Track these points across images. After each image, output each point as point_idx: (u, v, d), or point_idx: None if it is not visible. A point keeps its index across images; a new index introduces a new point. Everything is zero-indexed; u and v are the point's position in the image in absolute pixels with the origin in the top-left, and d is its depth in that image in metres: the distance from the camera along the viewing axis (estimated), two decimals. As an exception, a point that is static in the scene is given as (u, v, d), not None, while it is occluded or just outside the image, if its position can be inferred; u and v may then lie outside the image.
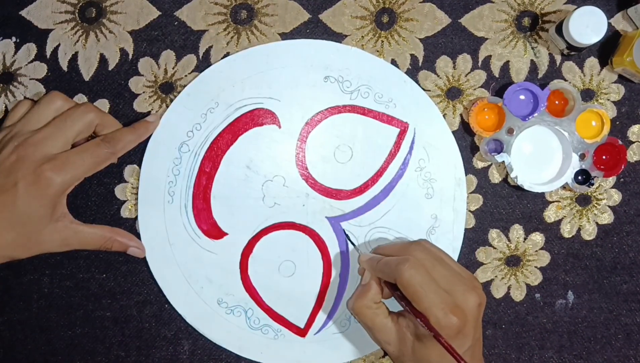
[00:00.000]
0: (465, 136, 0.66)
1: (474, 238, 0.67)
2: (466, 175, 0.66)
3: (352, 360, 0.67)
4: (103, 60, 0.66)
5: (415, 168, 0.66)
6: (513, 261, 0.67)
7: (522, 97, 0.65)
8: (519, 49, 0.66)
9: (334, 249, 0.66)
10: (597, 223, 0.67)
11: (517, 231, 0.67)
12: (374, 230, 0.66)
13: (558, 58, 0.66)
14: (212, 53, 0.65)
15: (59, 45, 0.66)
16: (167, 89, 0.66)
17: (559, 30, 0.62)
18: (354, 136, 0.65)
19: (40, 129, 0.60)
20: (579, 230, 0.67)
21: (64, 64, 0.66)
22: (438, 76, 0.66)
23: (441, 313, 0.54)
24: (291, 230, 0.66)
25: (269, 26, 0.65)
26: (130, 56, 0.66)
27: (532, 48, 0.66)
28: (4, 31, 0.65)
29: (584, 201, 0.67)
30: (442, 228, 0.66)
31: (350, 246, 0.66)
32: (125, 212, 0.66)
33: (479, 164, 0.67)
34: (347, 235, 0.65)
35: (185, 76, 0.65)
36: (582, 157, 0.64)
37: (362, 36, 0.66)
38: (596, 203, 0.67)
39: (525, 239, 0.67)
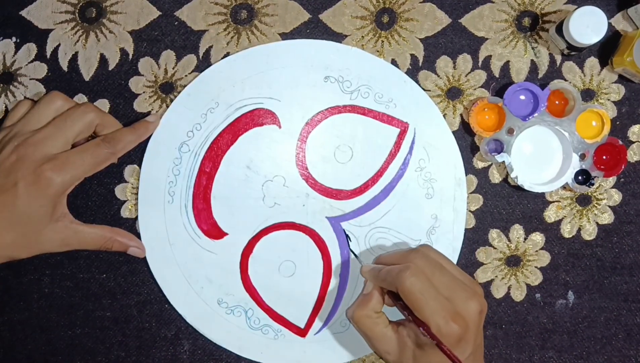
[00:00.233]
0: (466, 136, 0.66)
1: (474, 238, 0.67)
2: (466, 175, 0.66)
3: (352, 360, 0.67)
4: (103, 60, 0.66)
5: (416, 168, 0.66)
6: (513, 261, 0.67)
7: (522, 97, 0.65)
8: (519, 49, 0.66)
9: (334, 249, 0.66)
10: (597, 223, 0.67)
11: (517, 231, 0.67)
12: (374, 230, 0.66)
13: (558, 58, 0.66)
14: (212, 53, 0.65)
15: (59, 45, 0.66)
16: (167, 89, 0.66)
17: (559, 30, 0.62)
18: (354, 136, 0.65)
19: (40, 129, 0.60)
20: (579, 230, 0.67)
21: (64, 64, 0.66)
22: (438, 76, 0.66)
23: (442, 321, 0.54)
24: (291, 230, 0.66)
25: (269, 26, 0.65)
26: (130, 56, 0.66)
27: (533, 48, 0.66)
28: (4, 31, 0.65)
29: (584, 201, 0.67)
30: (442, 228, 0.66)
31: (352, 256, 0.66)
32: (125, 212, 0.66)
33: (479, 165, 0.67)
34: (349, 244, 0.66)
35: (186, 76, 0.65)
36: (582, 157, 0.64)
37: (362, 36, 0.66)
38: (596, 203, 0.67)
39: (525, 239, 0.67)
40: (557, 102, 0.65)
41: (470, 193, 0.67)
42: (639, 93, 0.66)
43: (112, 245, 0.63)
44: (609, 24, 0.65)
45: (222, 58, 0.65)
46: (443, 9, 0.66)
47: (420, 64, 0.66)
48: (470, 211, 0.67)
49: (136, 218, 0.66)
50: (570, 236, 0.67)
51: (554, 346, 0.68)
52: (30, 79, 0.66)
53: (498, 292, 0.67)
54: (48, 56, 0.66)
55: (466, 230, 0.67)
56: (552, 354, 0.68)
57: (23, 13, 0.65)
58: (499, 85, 0.66)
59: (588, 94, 0.66)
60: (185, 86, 0.65)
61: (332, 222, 0.66)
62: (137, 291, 0.67)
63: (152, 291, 0.67)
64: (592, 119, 0.65)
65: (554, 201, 0.67)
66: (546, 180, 0.66)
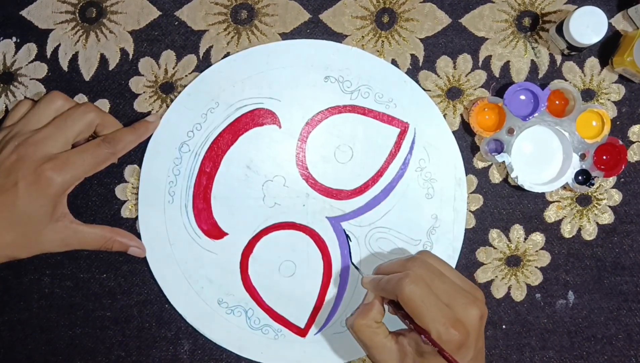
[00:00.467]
0: (466, 136, 0.66)
1: (474, 238, 0.67)
2: (466, 175, 0.66)
3: (352, 360, 0.67)
4: (103, 60, 0.66)
5: (416, 168, 0.66)
6: (513, 262, 0.67)
7: (522, 97, 0.65)
8: (520, 49, 0.66)
9: (334, 249, 0.66)
10: (597, 223, 0.67)
11: (517, 231, 0.67)
12: (374, 230, 0.66)
13: (558, 58, 0.66)
14: (213, 53, 0.66)
15: (59, 45, 0.66)
16: (168, 89, 0.66)
17: (560, 30, 0.62)
18: (354, 136, 0.65)
19: (40, 129, 0.60)
20: (579, 230, 0.67)
21: (64, 64, 0.66)
22: (438, 76, 0.66)
23: (442, 328, 0.54)
24: (291, 230, 0.66)
25: (269, 26, 0.65)
26: (130, 56, 0.66)
27: (533, 48, 0.66)
28: (4, 31, 0.65)
29: (584, 201, 0.67)
30: (442, 228, 0.66)
31: (352, 268, 0.66)
32: (125, 212, 0.66)
33: (480, 164, 0.67)
34: (350, 252, 0.66)
35: (186, 75, 0.65)
36: (582, 157, 0.64)
37: (363, 36, 0.66)
38: (596, 203, 0.67)
39: (525, 239, 0.67)
40: (557, 102, 0.65)
41: (471, 193, 0.67)
42: (639, 93, 0.66)
43: (112, 245, 0.63)
44: (609, 24, 0.65)
45: (222, 58, 0.65)
46: (443, 9, 0.66)
47: (420, 64, 0.66)
48: (470, 211, 0.67)
49: (136, 218, 0.66)
50: (571, 236, 0.67)
51: (554, 346, 0.68)
52: (31, 79, 0.66)
53: (498, 292, 0.67)
54: (48, 56, 0.66)
55: (466, 230, 0.67)
56: (553, 354, 0.68)
57: (23, 13, 0.65)
58: (499, 85, 0.66)
59: (588, 94, 0.66)
60: (185, 86, 0.65)
61: (332, 222, 0.66)
62: (138, 291, 0.67)
63: (152, 291, 0.67)
64: (592, 119, 0.65)
65: (554, 201, 0.67)
66: (546, 180, 0.66)
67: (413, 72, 0.66)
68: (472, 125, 0.64)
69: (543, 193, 0.67)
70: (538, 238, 0.67)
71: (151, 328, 0.67)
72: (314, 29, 0.66)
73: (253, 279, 0.66)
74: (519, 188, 0.66)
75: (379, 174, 0.65)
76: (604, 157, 0.65)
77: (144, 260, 0.66)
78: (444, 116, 0.66)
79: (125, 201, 0.66)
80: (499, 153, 0.64)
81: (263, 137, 0.65)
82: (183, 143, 0.65)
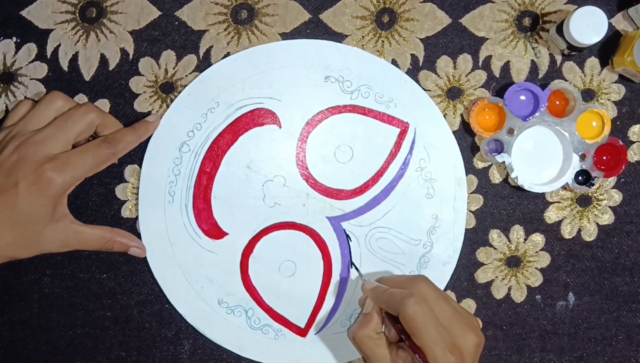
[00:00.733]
0: (466, 136, 0.66)
1: (474, 239, 0.67)
2: (467, 175, 0.66)
3: (352, 360, 0.67)
4: (103, 60, 0.66)
5: (416, 167, 0.66)
6: (513, 262, 0.67)
7: (522, 97, 0.65)
8: (520, 49, 0.66)
9: (334, 249, 0.66)
10: (597, 223, 0.67)
11: (517, 231, 0.67)
12: (374, 230, 0.66)
13: (558, 58, 0.66)
14: (213, 53, 0.66)
15: (59, 45, 0.66)
16: (168, 89, 0.66)
17: (560, 30, 0.62)
18: (354, 136, 0.65)
19: (41, 129, 0.60)
20: (579, 230, 0.67)
21: (64, 64, 0.66)
22: (438, 76, 0.66)
23: (440, 351, 0.54)
24: (291, 230, 0.66)
25: (269, 26, 0.66)
26: (130, 56, 0.66)
27: (533, 48, 0.66)
28: (4, 31, 0.65)
29: (584, 201, 0.67)
30: (442, 228, 0.66)
31: (354, 281, 0.66)
32: (125, 212, 0.66)
33: (480, 165, 0.67)
34: (350, 254, 0.66)
35: (186, 75, 0.66)
36: (582, 157, 0.64)
37: (363, 36, 0.66)
38: (597, 204, 0.67)
39: (525, 240, 0.67)
40: (557, 102, 0.65)
41: (471, 193, 0.67)
42: (639, 93, 0.66)
43: (112, 246, 0.63)
44: (609, 24, 0.65)
45: (222, 58, 0.65)
46: (443, 9, 0.66)
47: (420, 64, 0.66)
48: (470, 211, 0.67)
49: (136, 218, 0.66)
50: (571, 237, 0.67)
51: (555, 348, 0.68)
52: (31, 79, 0.66)
53: (498, 293, 0.67)
54: (48, 56, 0.66)
55: (466, 230, 0.66)
56: (553, 356, 0.68)
57: (23, 13, 0.65)
58: (499, 85, 0.66)
59: (588, 94, 0.66)
60: (185, 85, 0.65)
61: (332, 222, 0.66)
62: (138, 291, 0.67)
63: (152, 291, 0.67)
64: (592, 119, 0.65)
65: (554, 202, 0.67)
66: (546, 180, 0.66)
67: (413, 72, 0.66)
68: (472, 125, 0.64)
69: (543, 194, 0.67)
70: (538, 238, 0.67)
71: (151, 328, 0.67)
72: (314, 29, 0.66)
73: (253, 279, 0.66)
74: (519, 188, 0.66)
75: (379, 174, 0.65)
76: (604, 157, 0.65)
77: (144, 260, 0.66)
78: (444, 116, 0.66)
79: (125, 201, 0.66)
80: (499, 153, 0.64)
81: (263, 137, 0.65)
82: (183, 142, 0.65)
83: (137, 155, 0.65)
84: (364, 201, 0.66)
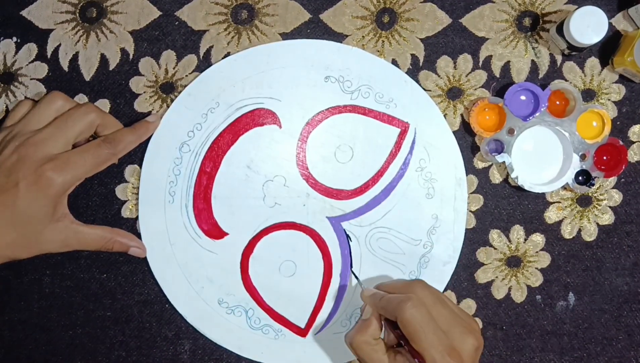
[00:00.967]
0: (466, 136, 0.66)
1: (474, 239, 0.67)
2: (467, 175, 0.66)
3: (352, 360, 0.67)
4: (104, 60, 0.66)
5: (416, 167, 0.66)
6: (514, 262, 0.67)
7: (522, 97, 0.65)
8: (520, 49, 0.66)
9: (334, 249, 0.66)
10: (597, 223, 0.67)
11: (517, 231, 0.67)
12: (374, 230, 0.66)
13: (559, 58, 0.66)
14: (213, 53, 0.66)
15: (59, 45, 0.66)
16: (168, 89, 0.66)
17: (560, 30, 0.62)
18: (354, 136, 0.65)
19: (41, 129, 0.60)
20: (579, 230, 0.67)
21: (64, 64, 0.66)
22: (439, 76, 0.66)
23: (438, 355, 0.54)
24: (292, 230, 0.66)
25: (269, 26, 0.66)
26: (131, 56, 0.66)
27: (533, 48, 0.66)
28: (4, 31, 0.65)
29: (584, 201, 0.67)
30: (442, 228, 0.66)
31: (354, 280, 0.66)
32: (126, 212, 0.66)
33: (480, 165, 0.67)
34: (351, 258, 0.66)
35: (186, 75, 0.66)
36: (582, 157, 0.64)
37: (363, 36, 0.66)
38: (597, 204, 0.67)
39: (525, 240, 0.67)
40: (557, 102, 0.65)
41: (471, 193, 0.67)
42: (639, 93, 0.66)
43: (112, 246, 0.63)
44: (610, 24, 0.65)
45: (222, 58, 0.65)
46: (443, 9, 0.66)
47: (420, 64, 0.66)
48: (470, 211, 0.67)
49: (137, 218, 0.66)
50: (571, 237, 0.67)
51: (555, 348, 0.68)
52: (31, 79, 0.66)
53: (498, 293, 0.67)
54: (49, 56, 0.66)
55: (467, 230, 0.66)
56: (553, 356, 0.68)
57: (24, 13, 0.65)
58: (500, 85, 0.66)
59: (589, 94, 0.66)
60: (185, 86, 0.65)
61: (332, 222, 0.66)
62: (138, 291, 0.67)
63: (152, 291, 0.67)
64: (592, 119, 0.65)
65: (554, 202, 0.67)
66: (547, 180, 0.66)
67: (413, 72, 0.66)
68: (473, 125, 0.64)
69: (543, 194, 0.67)
70: (538, 238, 0.67)
71: (151, 328, 0.67)
72: (315, 29, 0.66)
73: (253, 279, 0.66)
74: (519, 189, 0.66)
75: (380, 174, 0.65)
76: (605, 157, 0.65)
77: (144, 259, 0.66)
78: (445, 116, 0.66)
79: (125, 201, 0.66)
80: (499, 153, 0.64)
81: (263, 137, 0.65)
82: (183, 142, 0.65)
83: (137, 155, 0.65)
84: (364, 201, 0.66)
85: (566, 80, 0.66)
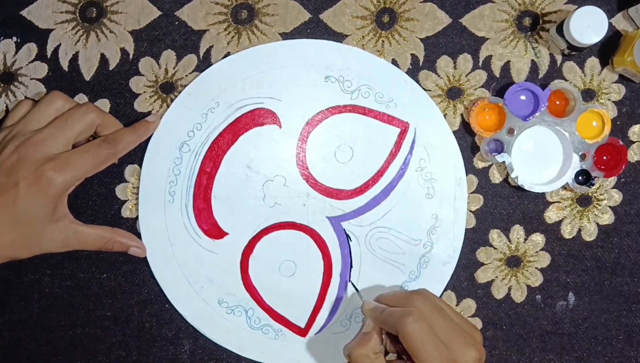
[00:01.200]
0: (466, 136, 0.66)
1: (474, 238, 0.67)
2: (467, 175, 0.66)
3: (352, 360, 0.67)
4: (104, 60, 0.66)
5: (416, 167, 0.66)
6: (514, 262, 0.67)
7: (522, 97, 0.65)
8: (520, 49, 0.66)
9: (334, 249, 0.66)
10: (597, 223, 0.67)
11: (517, 231, 0.67)
12: (374, 229, 0.66)
13: (559, 58, 0.66)
14: (213, 53, 0.66)
15: (59, 45, 0.66)
16: (168, 89, 0.66)
17: (560, 30, 0.62)
18: (354, 136, 0.65)
19: (41, 129, 0.60)
20: (579, 230, 0.67)
21: (64, 63, 0.66)
22: (439, 75, 0.66)
23: None
24: (292, 230, 0.66)
25: (269, 26, 0.66)
26: (131, 56, 0.66)
27: (533, 48, 0.66)
28: (4, 31, 0.65)
29: (584, 201, 0.67)
30: (442, 228, 0.66)
31: (352, 291, 0.66)
32: (126, 212, 0.66)
33: (480, 164, 0.67)
34: (352, 283, 0.66)
35: (186, 75, 0.66)
36: (582, 157, 0.64)
37: (363, 36, 0.66)
38: (597, 204, 0.67)
39: (525, 240, 0.67)
40: (557, 102, 0.65)
41: (471, 193, 0.67)
42: (639, 93, 0.66)
43: (112, 246, 0.63)
44: (610, 24, 0.65)
45: (222, 58, 0.65)
46: (443, 9, 0.66)
47: (420, 64, 0.66)
48: (470, 211, 0.67)
49: (137, 217, 0.66)
50: (571, 237, 0.67)
51: (555, 348, 0.68)
52: (31, 79, 0.66)
53: (498, 293, 0.67)
54: (48, 56, 0.66)
55: (467, 230, 0.66)
56: (553, 356, 0.68)
57: (24, 13, 0.65)
58: (500, 85, 0.66)
59: (588, 94, 0.66)
60: (185, 85, 0.65)
61: (332, 222, 0.66)
62: (138, 291, 0.67)
63: (152, 291, 0.67)
64: (592, 119, 0.65)
65: (554, 202, 0.67)
66: (546, 180, 0.66)
67: (413, 72, 0.66)
68: (473, 125, 0.64)
69: (543, 194, 0.67)
70: (538, 238, 0.67)
71: (151, 328, 0.67)
72: (314, 29, 0.66)
73: (253, 279, 0.66)
74: (519, 188, 0.66)
75: (379, 174, 0.65)
76: (604, 157, 0.65)
77: (144, 259, 0.66)
78: (444, 116, 0.66)
79: (125, 201, 0.66)
80: (499, 153, 0.64)
81: (263, 137, 0.65)
82: (183, 142, 0.65)
83: (137, 155, 0.65)
84: (364, 201, 0.66)
85: (566, 80, 0.66)
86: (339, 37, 0.66)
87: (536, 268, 0.67)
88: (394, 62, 0.66)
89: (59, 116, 0.61)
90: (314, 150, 0.66)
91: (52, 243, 0.60)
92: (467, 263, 0.67)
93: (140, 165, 0.65)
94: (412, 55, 0.66)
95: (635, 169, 0.67)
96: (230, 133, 0.65)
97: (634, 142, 0.67)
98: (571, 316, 0.67)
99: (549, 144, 0.66)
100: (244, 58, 0.65)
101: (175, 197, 0.65)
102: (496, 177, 0.67)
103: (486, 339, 0.67)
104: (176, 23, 0.66)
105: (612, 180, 0.67)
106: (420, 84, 0.66)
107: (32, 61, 0.66)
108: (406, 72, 0.66)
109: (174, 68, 0.66)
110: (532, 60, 0.66)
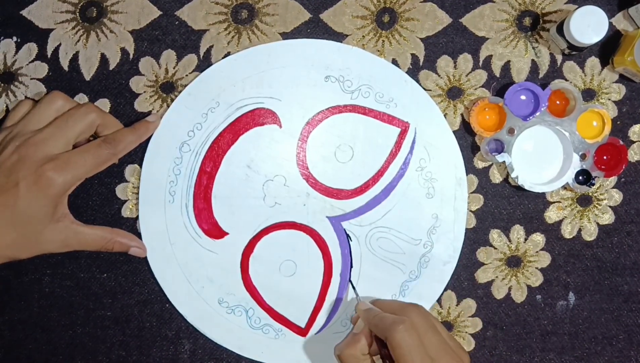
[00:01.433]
0: (466, 136, 0.66)
1: (474, 238, 0.67)
2: (467, 175, 0.66)
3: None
4: (104, 60, 0.66)
5: (416, 167, 0.66)
6: (514, 262, 0.67)
7: (523, 97, 0.65)
8: (520, 48, 0.66)
9: (334, 249, 0.66)
10: (597, 223, 0.67)
11: (517, 231, 0.67)
12: (374, 229, 0.66)
13: (559, 58, 0.66)
14: (213, 53, 0.66)
15: (59, 45, 0.66)
16: (168, 89, 0.66)
17: (560, 30, 0.62)
18: (354, 135, 0.65)
19: (41, 129, 0.60)
20: (579, 230, 0.67)
21: (64, 63, 0.66)
22: (439, 75, 0.66)
23: None
24: (292, 230, 0.66)
25: (269, 26, 0.66)
26: (131, 56, 0.66)
27: (533, 48, 0.66)
28: (4, 31, 0.65)
29: (584, 201, 0.67)
30: (442, 228, 0.66)
31: (352, 292, 0.66)
32: (126, 212, 0.66)
33: (480, 164, 0.67)
34: (351, 282, 0.66)
35: (186, 75, 0.66)
36: (583, 157, 0.64)
37: (363, 36, 0.66)
38: (597, 203, 0.67)
39: (526, 239, 0.67)
40: (557, 102, 0.65)
41: (471, 192, 0.67)
42: (639, 93, 0.66)
43: (113, 246, 0.63)
44: (610, 24, 0.65)
45: (222, 58, 0.65)
46: (444, 9, 0.66)
47: (420, 63, 0.66)
48: (470, 211, 0.67)
49: (137, 217, 0.66)
50: (571, 236, 0.67)
51: (555, 348, 0.68)
52: (31, 78, 0.66)
53: (499, 293, 0.67)
54: (49, 56, 0.66)
55: (467, 229, 0.66)
56: (553, 356, 0.68)
57: (24, 13, 0.65)
58: (500, 85, 0.66)
59: (589, 94, 0.66)
60: (185, 85, 0.65)
61: (332, 222, 0.66)
62: (138, 291, 0.67)
63: (152, 291, 0.67)
64: (592, 119, 0.65)
65: (554, 202, 0.67)
66: (547, 180, 0.66)
67: (413, 72, 0.66)
68: (473, 125, 0.64)
69: (543, 194, 0.67)
70: (538, 238, 0.67)
71: (152, 328, 0.67)
72: (315, 29, 0.66)
73: (253, 279, 0.66)
74: (519, 188, 0.66)
75: (380, 173, 0.65)
76: (605, 157, 0.65)
77: (145, 259, 0.66)
78: (445, 115, 0.66)
79: (125, 201, 0.66)
80: (500, 153, 0.64)
81: (263, 137, 0.65)
82: (183, 142, 0.65)
83: (137, 155, 0.65)
84: (364, 201, 0.66)
85: (566, 80, 0.66)
86: (339, 37, 0.66)
87: (536, 268, 0.67)
88: (394, 62, 0.66)
89: (59, 116, 0.61)
90: (314, 150, 0.66)
91: (52, 243, 0.60)
92: (468, 263, 0.67)
93: (141, 165, 0.65)
94: (413, 55, 0.66)
95: (636, 169, 0.67)
96: (230, 133, 0.65)
97: (634, 142, 0.67)
98: (571, 316, 0.67)
99: (549, 144, 0.66)
100: (244, 58, 0.65)
101: (175, 197, 0.65)
102: (496, 177, 0.67)
103: (486, 339, 0.67)
104: (176, 23, 0.66)
105: (613, 180, 0.67)
106: (420, 84, 0.66)
107: (32, 61, 0.66)
108: (406, 72, 0.66)
109: (174, 68, 0.66)
110: (533, 60, 0.66)
